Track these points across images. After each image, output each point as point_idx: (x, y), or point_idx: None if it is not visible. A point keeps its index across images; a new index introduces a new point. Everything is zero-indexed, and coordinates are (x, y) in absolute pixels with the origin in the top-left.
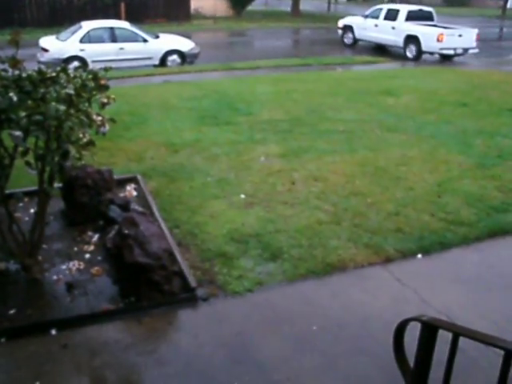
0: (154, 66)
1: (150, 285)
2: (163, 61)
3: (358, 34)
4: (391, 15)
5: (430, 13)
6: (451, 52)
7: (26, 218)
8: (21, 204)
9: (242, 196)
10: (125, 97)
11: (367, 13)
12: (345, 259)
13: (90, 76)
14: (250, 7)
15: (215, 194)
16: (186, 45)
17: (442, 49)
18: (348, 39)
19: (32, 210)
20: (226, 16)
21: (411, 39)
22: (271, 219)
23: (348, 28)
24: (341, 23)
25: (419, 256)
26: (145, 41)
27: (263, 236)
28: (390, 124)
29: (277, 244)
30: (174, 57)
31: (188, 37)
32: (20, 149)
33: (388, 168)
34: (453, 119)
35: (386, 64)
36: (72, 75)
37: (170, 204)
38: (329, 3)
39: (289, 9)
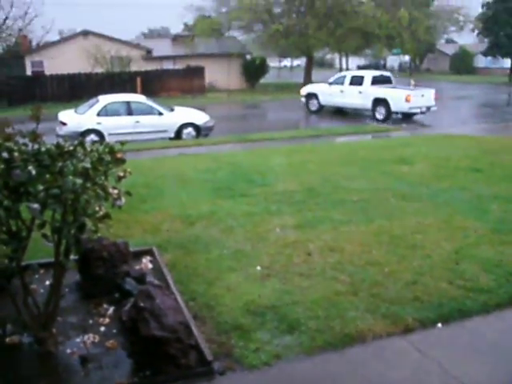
0: (170, 138)
1: (165, 358)
2: (178, 133)
3: (324, 100)
4: (356, 81)
5: (389, 77)
6: (418, 111)
7: (42, 290)
8: (36, 276)
9: (258, 268)
10: (141, 169)
11: (331, 80)
12: (363, 330)
13: (107, 150)
14: (262, 80)
15: (231, 266)
16: (200, 118)
17: (410, 108)
18: (313, 106)
19: (47, 282)
20: (239, 89)
21: (380, 102)
22: (288, 291)
23: (312, 95)
24: (304, 91)
25: (439, 325)
26: (160, 114)
27: (280, 308)
28: (404, 192)
29: (294, 316)
30: (189, 129)
31: (203, 110)
32: (37, 221)
33: (404, 236)
34: (467, 185)
35: (399, 132)
36: (89, 149)
37: (186, 276)
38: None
39: (301, 80)
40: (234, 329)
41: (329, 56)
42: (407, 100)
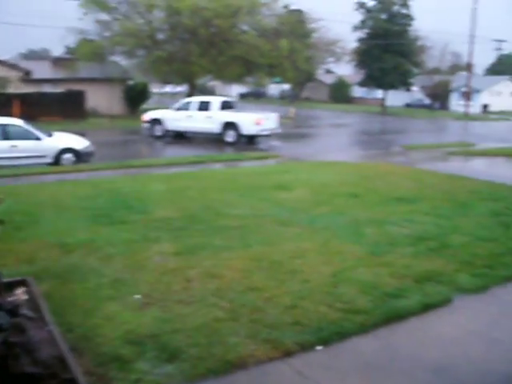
0: (49, 164)
1: None
2: (57, 159)
3: (170, 125)
4: (204, 106)
5: (233, 102)
6: (266, 133)
7: None
8: None
9: (138, 296)
10: (17, 196)
11: (177, 106)
12: (244, 356)
13: None
14: (144, 106)
15: (110, 295)
16: (80, 143)
17: (259, 131)
18: (158, 131)
19: None
20: (121, 114)
21: (230, 125)
22: (168, 319)
23: (157, 121)
24: (147, 117)
25: (319, 347)
26: (38, 139)
27: (160, 336)
28: (283, 218)
29: (174, 344)
30: (69, 155)
31: (84, 135)
32: None
33: (283, 262)
34: (345, 210)
35: (278, 159)
36: None
37: (62, 307)
38: None
39: None
40: (114, 360)
41: (211, 83)
42: (257, 123)
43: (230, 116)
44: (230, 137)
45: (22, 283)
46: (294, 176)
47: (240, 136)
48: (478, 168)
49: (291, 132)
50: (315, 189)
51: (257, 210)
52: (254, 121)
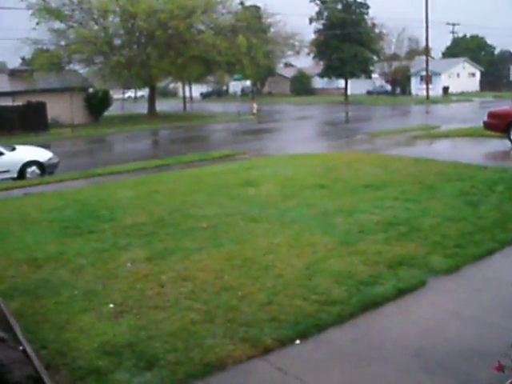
0: (13, 178)
1: None
2: (22, 173)
3: None
4: None
5: None
6: None
7: None
8: None
9: (111, 306)
10: None
11: None
12: (223, 357)
13: None
14: (106, 113)
15: (83, 307)
16: (44, 155)
17: None
18: None
19: None
20: (83, 123)
21: None
22: (143, 326)
23: None
24: None
25: (297, 341)
26: (0, 154)
27: (137, 345)
28: (253, 214)
29: (151, 351)
30: (33, 168)
31: (47, 147)
32: None
33: (255, 258)
34: (313, 202)
35: (243, 156)
36: None
37: (35, 324)
38: (184, 102)
39: (145, 111)
40: (91, 373)
41: (172, 85)
42: None
43: None
44: None
45: None
46: (261, 171)
47: None
48: (443, 150)
49: (255, 128)
50: (283, 183)
51: (225, 209)
52: None
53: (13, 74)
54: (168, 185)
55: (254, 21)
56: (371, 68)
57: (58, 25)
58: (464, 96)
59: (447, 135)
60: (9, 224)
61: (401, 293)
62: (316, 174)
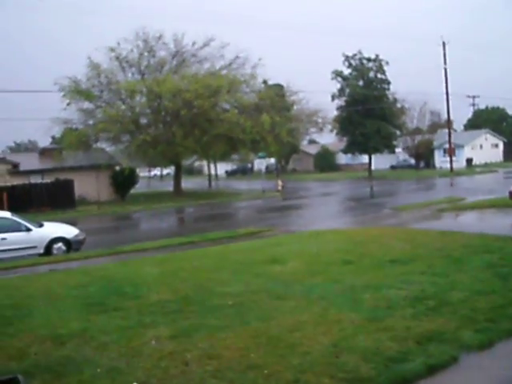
0: (39, 254)
1: None
2: (48, 249)
3: None
4: None
5: None
6: None
7: None
8: None
9: None
10: (7, 289)
11: None
12: None
13: None
14: (132, 190)
15: None
16: (70, 232)
17: None
18: None
19: None
20: (110, 200)
21: None
22: None
23: None
24: None
25: None
26: (28, 230)
27: None
28: (278, 292)
29: None
30: (60, 244)
31: (73, 223)
32: None
33: (281, 336)
34: (339, 278)
35: (270, 232)
36: None
37: None
38: (209, 180)
39: (171, 189)
40: None
41: (197, 163)
42: None
43: None
44: None
45: (11, 382)
46: (287, 248)
47: None
48: (469, 222)
49: (280, 204)
50: (309, 259)
51: (251, 286)
52: None
53: (43, 152)
54: (193, 262)
55: (278, 99)
56: (394, 142)
57: (87, 105)
58: (488, 167)
59: (473, 207)
60: (34, 300)
61: (432, 370)
62: (342, 250)
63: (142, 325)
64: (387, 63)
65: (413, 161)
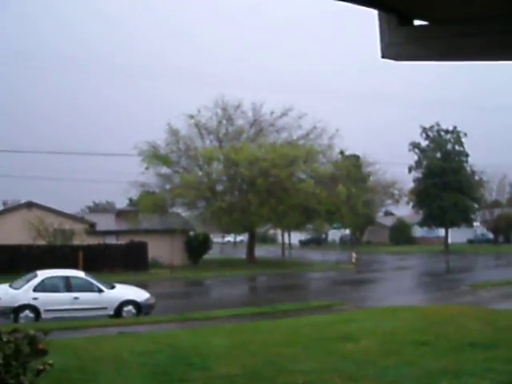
0: (110, 316)
1: None
2: (119, 311)
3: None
4: None
5: None
6: None
7: None
8: None
9: None
10: (75, 350)
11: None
12: None
13: (26, 340)
14: (205, 256)
15: None
16: (141, 295)
17: None
18: None
19: None
20: (182, 265)
21: None
22: None
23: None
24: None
25: None
26: (100, 291)
27: None
28: (350, 372)
29: None
30: (130, 307)
31: (145, 286)
32: None
33: None
34: (415, 360)
35: (343, 307)
36: (5, 339)
37: None
38: (283, 249)
39: (244, 256)
40: None
41: (271, 231)
42: None
43: None
44: None
45: None
46: (360, 325)
47: None
48: None
49: (354, 278)
50: (382, 337)
51: (322, 364)
52: None
53: (119, 214)
54: (263, 335)
55: (354, 170)
56: (472, 216)
57: (164, 170)
58: None
59: None
60: (100, 364)
61: None
62: (417, 329)
63: None
64: (465, 135)
65: (491, 235)
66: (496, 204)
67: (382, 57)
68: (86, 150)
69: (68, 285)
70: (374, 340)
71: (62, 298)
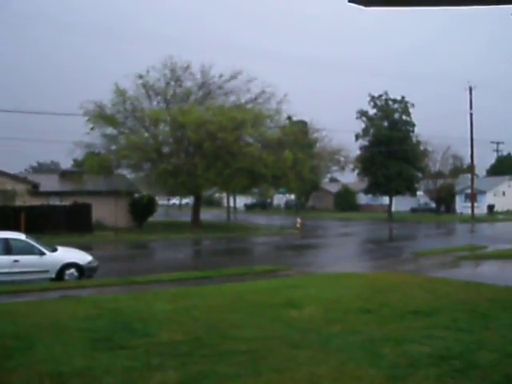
0: (51, 279)
1: None
2: (60, 274)
3: None
4: None
5: None
6: None
7: None
8: None
9: None
10: (13, 316)
11: None
12: None
13: None
14: (150, 218)
15: None
16: (84, 258)
17: None
18: None
19: None
20: (127, 227)
21: None
22: None
23: None
24: None
25: None
26: (41, 253)
27: None
28: (294, 339)
29: None
30: (72, 270)
31: (89, 249)
32: None
33: None
34: (358, 328)
35: (287, 272)
36: None
37: None
38: (228, 213)
39: (189, 219)
40: None
41: (217, 195)
42: None
43: None
44: None
45: None
46: (304, 291)
47: None
48: (493, 272)
49: (298, 243)
50: (326, 305)
51: (266, 332)
52: None
53: (64, 174)
54: (207, 300)
55: (301, 135)
56: (416, 185)
57: (110, 130)
58: (510, 214)
59: (496, 256)
60: (39, 330)
61: None
62: (361, 297)
63: (148, 367)
64: (413, 105)
65: (433, 204)
66: (439, 175)
67: (350, 1)
68: (32, 109)
69: (7, 247)
70: (317, 307)
71: (1, 261)
